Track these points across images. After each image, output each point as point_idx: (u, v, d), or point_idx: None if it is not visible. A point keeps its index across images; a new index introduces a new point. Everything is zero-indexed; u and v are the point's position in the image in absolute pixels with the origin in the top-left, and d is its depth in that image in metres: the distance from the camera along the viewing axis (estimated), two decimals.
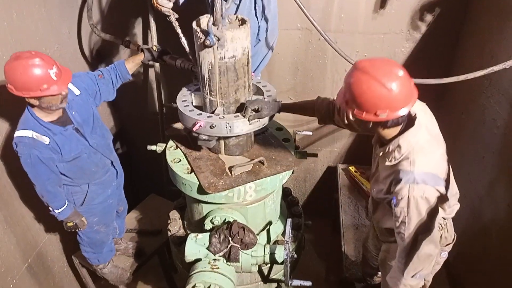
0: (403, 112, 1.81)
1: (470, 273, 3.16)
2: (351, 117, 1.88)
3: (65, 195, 2.83)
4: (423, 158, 1.91)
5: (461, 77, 2.56)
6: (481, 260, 3.01)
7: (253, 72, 3.10)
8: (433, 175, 1.92)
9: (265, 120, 2.34)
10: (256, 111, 2.24)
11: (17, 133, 2.50)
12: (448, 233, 2.29)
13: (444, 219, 2.19)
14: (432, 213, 1.93)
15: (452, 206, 2.18)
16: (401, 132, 1.94)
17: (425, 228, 1.94)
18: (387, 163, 1.99)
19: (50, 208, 2.76)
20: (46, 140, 2.52)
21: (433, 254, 2.04)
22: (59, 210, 2.77)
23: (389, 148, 1.97)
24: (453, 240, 2.34)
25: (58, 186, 2.73)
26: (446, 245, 2.31)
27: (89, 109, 2.80)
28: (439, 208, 1.95)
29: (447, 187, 1.97)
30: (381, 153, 2.04)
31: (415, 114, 1.96)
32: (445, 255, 2.38)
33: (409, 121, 1.95)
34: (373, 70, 1.76)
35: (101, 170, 2.97)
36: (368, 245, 2.94)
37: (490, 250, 2.90)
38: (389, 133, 1.97)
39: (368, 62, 1.80)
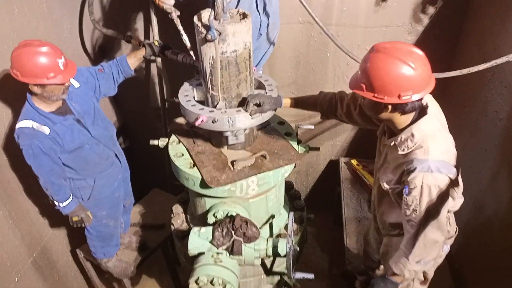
0: (425, 93, 1.81)
1: (472, 266, 3.17)
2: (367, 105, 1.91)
3: (71, 190, 2.86)
4: (436, 146, 1.90)
5: (464, 71, 2.56)
6: (483, 253, 3.02)
7: (255, 66, 3.10)
8: (446, 163, 1.91)
9: (267, 114, 2.35)
10: (258, 105, 2.25)
11: (18, 125, 2.53)
12: (451, 226, 2.31)
13: (448, 211, 2.19)
14: (442, 197, 1.93)
15: (458, 199, 2.19)
16: (413, 121, 1.94)
17: (434, 210, 1.95)
18: (400, 152, 1.98)
19: (55, 203, 2.78)
20: (46, 130, 2.54)
21: (439, 241, 2.05)
22: (64, 204, 2.79)
23: (401, 138, 1.96)
24: (455, 233, 2.35)
25: (63, 179, 2.75)
26: (449, 239, 2.33)
27: (90, 101, 2.82)
28: (449, 196, 1.97)
29: (458, 172, 1.98)
30: (392, 143, 2.03)
31: (427, 103, 1.96)
32: (447, 249, 2.39)
33: (422, 110, 1.95)
34: (394, 51, 1.75)
35: (105, 162, 2.98)
36: (369, 238, 2.95)
37: (492, 242, 2.91)
38: (403, 120, 1.96)
39: (388, 44, 1.79)
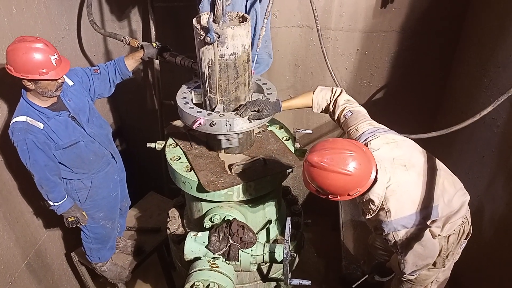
0: (373, 174, 1.95)
1: (469, 273, 3.15)
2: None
3: (68, 192, 2.84)
4: (397, 203, 2.01)
5: (466, 122, 2.55)
6: (480, 259, 3.00)
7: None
8: (410, 215, 2.03)
9: (265, 118, 2.33)
10: (257, 112, 2.24)
11: (12, 121, 2.53)
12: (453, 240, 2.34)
13: (439, 235, 2.24)
14: (417, 237, 2.07)
15: (451, 222, 2.22)
16: (370, 187, 2.01)
17: (413, 242, 2.09)
18: (368, 216, 2.11)
19: (50, 202, 2.75)
20: (40, 125, 2.55)
21: (426, 254, 2.15)
22: (59, 203, 2.76)
23: (363, 200, 2.07)
24: (470, 231, 2.41)
25: (58, 178, 2.73)
26: (465, 239, 2.40)
27: (84, 100, 2.83)
28: (431, 229, 2.12)
29: (429, 212, 2.06)
30: (360, 201, 2.14)
31: (376, 164, 2.01)
32: (464, 245, 2.46)
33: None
34: (327, 164, 1.84)
35: (101, 160, 2.97)
36: (376, 244, 2.95)
37: (487, 248, 2.90)
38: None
39: (319, 156, 1.87)
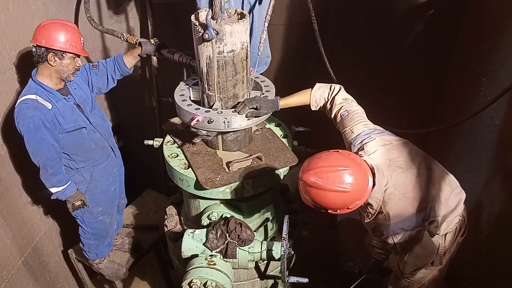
0: (370, 185, 1.93)
1: (465, 272, 3.16)
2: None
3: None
4: (395, 207, 2.01)
5: (465, 118, 2.57)
6: (476, 258, 3.01)
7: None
8: (408, 217, 2.02)
9: (264, 116, 2.33)
10: (255, 109, 2.23)
11: (20, 99, 2.55)
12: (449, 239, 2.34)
13: (437, 234, 2.24)
14: (416, 238, 2.06)
15: (448, 221, 2.22)
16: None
17: (413, 244, 2.08)
18: (366, 220, 2.10)
19: (54, 189, 2.72)
20: (48, 105, 2.60)
21: (425, 255, 2.16)
22: (65, 186, 2.74)
23: (362, 204, 2.04)
24: (466, 229, 2.42)
25: (60, 161, 2.72)
26: (461, 236, 2.40)
27: (87, 92, 2.90)
28: (429, 230, 2.12)
29: (427, 213, 2.06)
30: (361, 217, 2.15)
31: (373, 168, 1.99)
32: (460, 241, 2.46)
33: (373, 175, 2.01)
34: (323, 183, 1.82)
35: (100, 151, 2.98)
36: (373, 243, 2.95)
37: (485, 246, 2.90)
38: None
39: (315, 176, 1.84)
